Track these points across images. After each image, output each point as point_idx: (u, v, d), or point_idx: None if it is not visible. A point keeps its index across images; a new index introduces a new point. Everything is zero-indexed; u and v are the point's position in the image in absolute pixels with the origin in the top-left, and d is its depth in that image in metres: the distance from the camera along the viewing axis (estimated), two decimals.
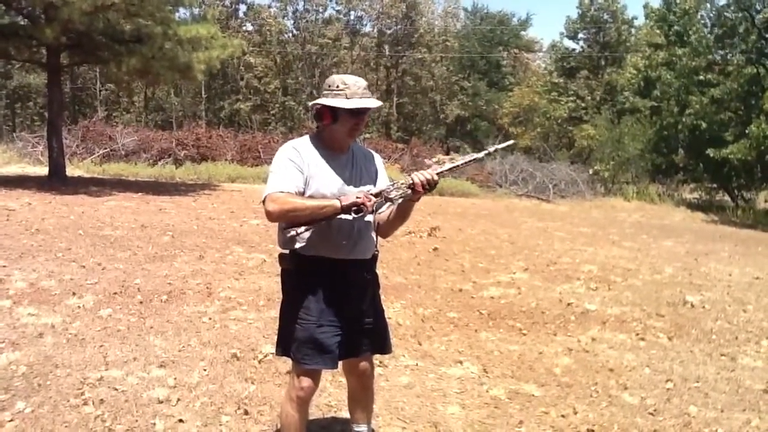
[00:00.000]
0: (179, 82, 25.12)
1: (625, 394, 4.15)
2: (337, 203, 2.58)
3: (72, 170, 17.72)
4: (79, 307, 5.32)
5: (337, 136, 2.74)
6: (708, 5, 23.95)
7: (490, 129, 43.21)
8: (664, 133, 25.51)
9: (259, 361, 4.32)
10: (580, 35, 40.23)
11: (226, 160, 22.23)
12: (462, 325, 5.57)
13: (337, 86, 2.67)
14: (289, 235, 2.65)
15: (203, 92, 40.88)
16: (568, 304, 6.47)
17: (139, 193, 14.13)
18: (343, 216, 2.62)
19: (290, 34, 44.27)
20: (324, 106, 2.68)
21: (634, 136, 25.50)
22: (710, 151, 20.83)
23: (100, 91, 40.27)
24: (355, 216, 2.62)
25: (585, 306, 6.44)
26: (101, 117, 31.43)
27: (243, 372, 4.13)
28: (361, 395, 3.02)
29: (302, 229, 2.63)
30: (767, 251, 12.06)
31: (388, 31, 43.96)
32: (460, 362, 4.59)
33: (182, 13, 18.08)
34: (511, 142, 3.37)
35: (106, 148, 21.70)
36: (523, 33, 47.78)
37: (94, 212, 10.68)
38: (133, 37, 14.66)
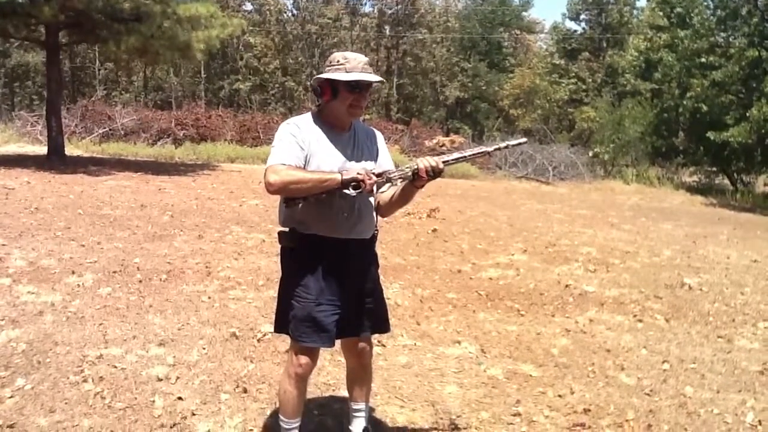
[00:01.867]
0: (178, 61, 24.99)
1: (622, 374, 4.17)
2: (338, 177, 2.56)
3: (71, 150, 17.68)
4: (78, 285, 5.34)
5: (337, 113, 2.72)
6: None
7: (491, 111, 43.15)
8: (664, 115, 25.42)
9: (258, 340, 4.35)
10: (582, 16, 40.05)
11: (225, 140, 22.19)
12: (460, 305, 5.59)
13: (338, 61, 2.65)
14: (297, 206, 2.64)
15: (202, 72, 40.67)
16: (567, 286, 6.49)
17: (139, 173, 14.11)
18: (344, 191, 2.61)
19: (290, 14, 44.01)
20: (324, 82, 2.67)
21: (635, 119, 25.42)
22: (711, 134, 20.76)
23: (99, 70, 40.07)
24: (355, 192, 2.61)
25: (583, 288, 6.45)
26: (100, 96, 31.27)
27: (242, 350, 4.15)
28: (360, 374, 3.02)
29: (312, 199, 2.61)
30: (766, 235, 12.08)
31: (389, 11, 43.67)
32: (459, 342, 4.61)
33: None
34: (523, 140, 3.34)
35: (105, 128, 21.65)
36: (524, 14, 47.54)
37: (93, 191, 10.68)
38: (132, 15, 14.52)
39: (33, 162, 14.23)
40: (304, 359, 2.74)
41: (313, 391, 3.43)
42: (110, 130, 21.69)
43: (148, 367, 3.79)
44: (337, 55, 2.70)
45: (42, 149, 16.84)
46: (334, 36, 42.21)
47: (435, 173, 2.66)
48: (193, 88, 42.07)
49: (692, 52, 23.03)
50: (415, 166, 2.65)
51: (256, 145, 21.96)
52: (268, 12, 41.70)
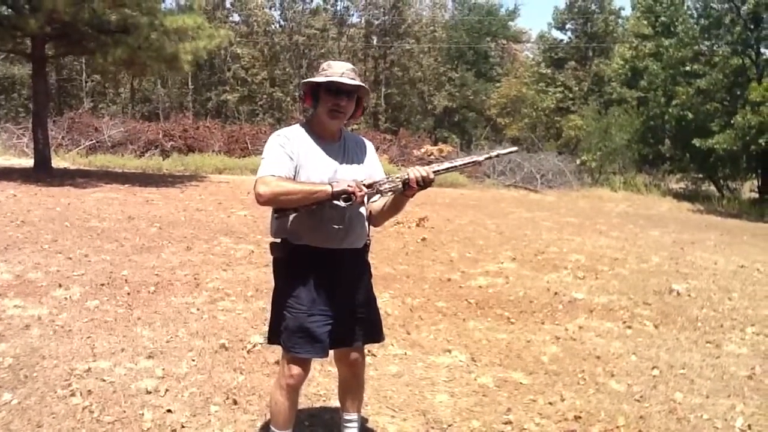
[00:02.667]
0: (166, 72, 24.95)
1: (611, 381, 4.18)
2: (328, 188, 2.56)
3: (58, 162, 17.57)
4: (65, 298, 5.30)
5: (322, 119, 2.73)
6: None
7: (479, 120, 43.30)
8: (650, 123, 25.64)
9: (248, 351, 4.32)
10: (568, 26, 40.26)
11: (213, 151, 22.14)
12: (450, 314, 5.59)
13: (323, 68, 2.70)
14: (288, 217, 2.65)
15: (190, 83, 40.57)
16: (556, 293, 6.50)
17: (126, 185, 14.05)
18: (334, 203, 2.60)
19: (277, 25, 44.03)
20: (306, 88, 2.71)
21: (621, 127, 25.60)
22: (696, 142, 20.97)
23: (86, 82, 39.87)
24: (345, 204, 2.60)
25: (572, 295, 6.47)
26: (87, 108, 31.11)
27: (231, 362, 4.13)
28: (352, 384, 3.01)
29: (303, 210, 2.62)
30: (752, 240, 12.17)
31: (376, 22, 43.79)
32: (449, 351, 4.60)
33: (168, 3, 18.14)
34: (514, 149, 3.36)
35: (92, 140, 21.55)
36: (511, 23, 47.75)
37: (80, 204, 10.62)
38: (119, 27, 14.51)
39: (19, 174, 14.13)
40: (296, 370, 2.73)
41: (303, 402, 3.42)
42: (97, 142, 21.60)
43: (137, 380, 3.76)
44: (323, 63, 2.74)
45: (28, 162, 16.74)
46: (322, 46, 42.23)
47: (425, 183, 2.65)
48: (181, 100, 41.94)
49: (677, 61, 23.28)
50: (406, 176, 2.64)
51: (244, 156, 21.93)
52: (255, 23, 41.69)
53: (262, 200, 2.56)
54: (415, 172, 2.65)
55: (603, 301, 6.32)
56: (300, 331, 2.68)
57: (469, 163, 2.86)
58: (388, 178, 2.71)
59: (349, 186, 2.57)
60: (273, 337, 2.86)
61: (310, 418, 3.39)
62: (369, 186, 2.64)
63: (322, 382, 3.87)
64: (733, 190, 24.51)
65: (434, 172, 2.68)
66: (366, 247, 2.88)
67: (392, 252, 8.17)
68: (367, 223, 2.84)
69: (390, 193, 2.73)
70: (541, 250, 9.04)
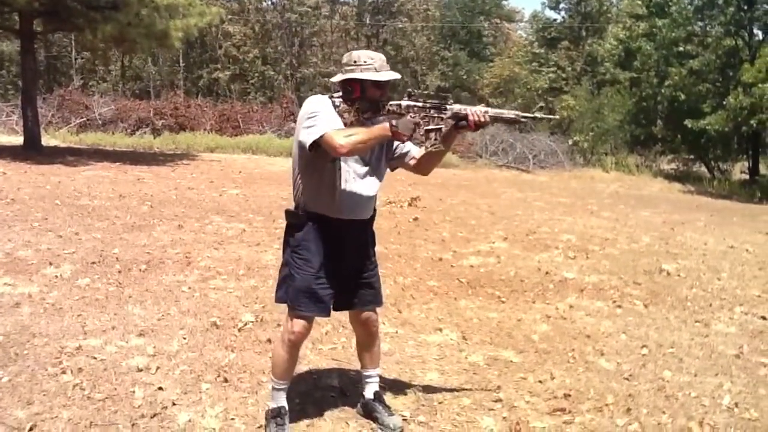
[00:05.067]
0: (156, 50, 24.73)
1: (601, 359, 4.21)
2: (387, 127, 2.71)
3: (48, 140, 17.45)
4: (56, 276, 5.28)
5: (363, 107, 2.86)
6: None
7: (471, 100, 43.12)
8: (643, 104, 25.67)
9: (239, 330, 4.32)
10: (562, 5, 40.10)
11: (204, 129, 22.02)
12: (442, 293, 5.61)
13: (364, 61, 2.80)
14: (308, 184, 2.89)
15: (181, 61, 40.25)
16: (547, 273, 6.53)
17: (117, 163, 13.98)
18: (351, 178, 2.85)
19: (269, 2, 43.63)
20: (352, 81, 2.80)
21: (614, 108, 25.60)
22: (688, 123, 21.00)
23: (75, 59, 39.49)
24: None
25: (563, 274, 6.50)
26: (77, 86, 30.81)
27: (223, 340, 4.13)
28: (368, 341, 3.22)
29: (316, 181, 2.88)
30: (742, 221, 12.24)
31: (369, 0, 43.45)
32: (440, 330, 4.62)
33: None
34: (556, 116, 3.41)
35: (82, 118, 21.41)
36: (504, 2, 47.55)
37: (70, 182, 10.56)
38: (108, 3, 14.33)
39: (9, 153, 14.02)
40: (298, 326, 2.91)
41: (296, 381, 3.41)
42: (88, 120, 21.45)
43: (128, 358, 3.75)
44: (360, 55, 2.85)
45: (18, 140, 16.61)
46: (314, 25, 41.93)
47: (480, 125, 2.81)
48: (172, 78, 41.62)
49: (670, 41, 23.26)
50: (463, 111, 2.79)
51: (235, 135, 21.82)
52: (247, 0, 41.31)
53: (342, 151, 2.69)
54: (475, 114, 2.78)
55: (593, 280, 6.34)
56: (306, 291, 2.88)
57: (512, 118, 2.91)
58: (431, 107, 2.84)
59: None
60: (280, 295, 3.02)
61: (300, 396, 3.40)
62: (414, 126, 2.77)
63: (313, 360, 3.89)
64: (724, 172, 24.60)
65: (488, 115, 2.80)
66: (372, 218, 3.08)
67: (384, 231, 8.15)
68: (375, 196, 3.01)
69: (435, 139, 2.83)
70: (533, 230, 9.06)
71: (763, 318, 5.37)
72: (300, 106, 3.27)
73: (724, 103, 19.90)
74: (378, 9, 43.43)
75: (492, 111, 2.82)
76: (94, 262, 5.76)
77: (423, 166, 3.05)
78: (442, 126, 2.80)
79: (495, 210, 10.90)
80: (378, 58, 2.82)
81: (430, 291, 5.66)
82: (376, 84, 2.80)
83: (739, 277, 6.89)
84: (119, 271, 5.55)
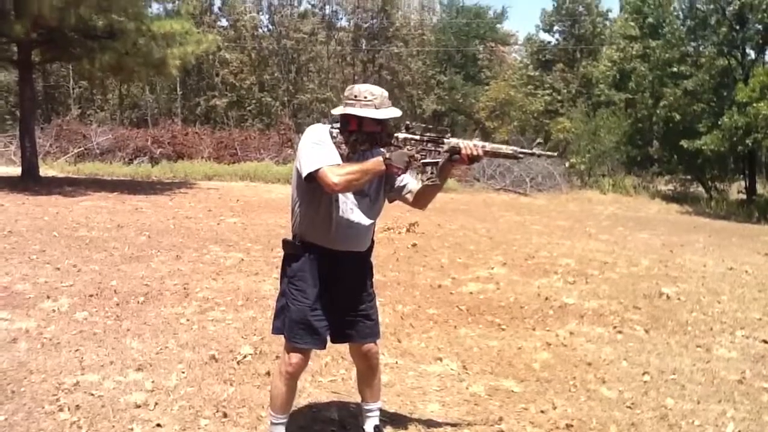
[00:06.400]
0: (154, 78, 24.88)
1: (603, 387, 4.18)
2: (381, 160, 2.75)
3: (46, 170, 17.48)
4: (54, 310, 5.25)
5: (358, 142, 2.88)
6: None
7: (468, 123, 43.35)
8: (638, 125, 25.78)
9: (238, 363, 4.29)
10: (556, 28, 40.42)
11: (202, 157, 22.09)
12: (441, 321, 5.58)
13: (365, 97, 2.83)
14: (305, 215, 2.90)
15: (178, 89, 40.40)
16: (546, 298, 6.51)
17: (115, 193, 13.99)
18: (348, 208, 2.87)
19: (266, 29, 43.95)
20: (351, 115, 2.82)
21: (610, 129, 25.71)
22: (684, 143, 21.08)
23: (73, 88, 39.65)
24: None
25: (563, 300, 6.48)
26: (75, 115, 30.96)
27: (221, 374, 4.10)
28: (368, 374, 3.20)
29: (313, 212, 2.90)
30: (740, 242, 12.24)
31: (365, 25, 43.79)
32: (440, 359, 4.59)
33: (156, 8, 17.91)
34: (554, 154, 3.42)
35: (80, 147, 21.46)
36: (498, 26, 47.86)
37: (68, 213, 10.56)
38: (105, 32, 14.46)
39: (6, 183, 14.03)
40: (295, 359, 2.92)
41: (295, 414, 3.38)
42: (85, 149, 21.52)
43: (126, 394, 3.72)
44: (361, 90, 2.86)
45: (16, 170, 16.64)
46: (311, 51, 42.19)
47: (474, 159, 2.86)
48: (170, 105, 41.76)
49: (664, 62, 23.41)
50: (456, 146, 2.83)
51: (233, 162, 21.89)
52: (243, 28, 41.59)
53: (337, 189, 2.74)
54: (469, 148, 2.83)
55: (593, 305, 6.32)
56: (302, 323, 2.88)
57: (509, 154, 2.94)
58: (425, 143, 2.88)
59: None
60: (277, 327, 3.03)
61: (299, 430, 3.37)
62: (409, 160, 2.81)
63: (312, 392, 3.86)
64: (721, 191, 24.63)
65: (485, 151, 2.85)
66: (370, 249, 3.08)
67: (383, 258, 8.14)
68: (372, 228, 3.03)
69: (432, 173, 2.88)
70: (532, 254, 9.05)
71: (765, 341, 5.35)
72: (297, 132, 3.31)
73: (719, 123, 19.99)
74: (374, 34, 43.74)
75: (489, 146, 2.85)
76: (91, 295, 5.73)
77: (420, 201, 3.08)
78: (439, 160, 2.82)
79: (493, 234, 10.90)
80: (379, 94, 2.84)
81: (430, 319, 5.63)
82: (376, 119, 2.83)
83: (739, 300, 6.87)
84: (117, 304, 5.52)
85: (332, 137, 2.85)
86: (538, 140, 2.91)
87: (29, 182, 14.34)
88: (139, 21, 14.32)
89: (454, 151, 2.81)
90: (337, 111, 2.88)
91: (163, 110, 40.76)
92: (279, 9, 43.05)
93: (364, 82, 34.66)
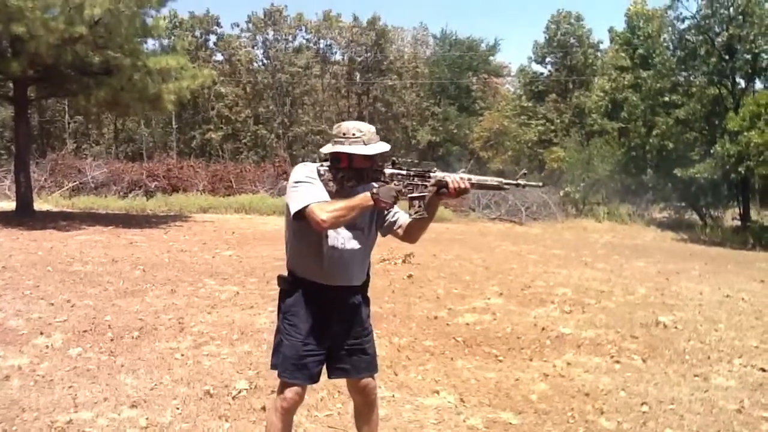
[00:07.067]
0: (149, 113, 24.99)
1: (601, 418, 4.15)
2: (369, 197, 2.72)
3: (40, 204, 17.47)
4: (47, 346, 5.20)
5: (350, 177, 2.89)
6: (670, 29, 24.56)
7: (462, 153, 43.59)
8: (632, 153, 26.00)
9: (233, 398, 4.25)
10: (548, 59, 40.88)
11: (197, 190, 22.13)
12: (438, 353, 5.55)
13: (353, 134, 2.84)
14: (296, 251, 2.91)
15: (174, 122, 40.65)
16: (543, 329, 6.48)
17: (110, 227, 13.96)
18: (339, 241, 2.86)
19: (260, 63, 44.37)
20: (341, 152, 2.84)
21: (604, 158, 25.91)
22: (677, 171, 21.23)
23: (68, 123, 39.84)
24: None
25: (560, 330, 6.45)
26: (70, 150, 31.06)
27: (217, 409, 4.06)
28: (366, 410, 3.16)
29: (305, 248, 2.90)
30: (736, 269, 12.25)
31: (359, 59, 44.23)
32: (437, 392, 4.56)
33: (151, 44, 18.05)
34: (540, 184, 3.41)
35: (75, 181, 21.47)
36: (491, 58, 48.35)
37: (63, 247, 10.52)
38: (101, 69, 14.56)
39: (1, 218, 14.01)
40: (290, 394, 2.90)
41: None
42: (80, 183, 21.53)
43: (121, 431, 3.68)
44: (350, 127, 2.87)
45: (10, 205, 16.62)
46: (305, 84, 42.56)
47: (462, 192, 2.84)
48: (165, 139, 41.96)
49: (655, 92, 23.70)
50: (442, 180, 2.81)
51: (228, 195, 21.91)
52: (238, 62, 42.01)
53: (324, 226, 2.72)
54: (455, 181, 2.82)
55: (590, 335, 6.30)
56: (293, 358, 2.87)
57: (495, 185, 2.95)
58: (413, 177, 2.88)
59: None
60: (273, 363, 3.01)
61: None
62: (396, 194, 2.78)
63: (308, 427, 3.81)
64: (716, 218, 24.73)
65: (471, 183, 2.84)
66: (365, 284, 3.06)
67: (378, 290, 8.12)
68: (366, 262, 3.02)
69: (419, 206, 2.86)
70: (528, 284, 9.03)
71: (763, 370, 5.32)
72: (292, 164, 3.32)
73: (712, 151, 20.17)
74: (368, 67, 44.16)
75: (475, 178, 2.85)
76: (85, 331, 5.69)
77: (410, 235, 3.04)
78: (426, 194, 2.82)
79: (489, 264, 10.89)
80: (367, 130, 2.86)
81: (426, 351, 5.60)
82: (365, 156, 2.84)
83: (736, 328, 6.86)
84: (111, 339, 5.48)
85: (320, 175, 2.86)
86: (524, 171, 2.84)
87: (24, 217, 14.31)
88: (135, 57, 14.41)
89: (441, 184, 2.82)
90: (326, 149, 2.90)
91: (159, 144, 40.94)
92: (274, 44, 43.51)
93: (359, 113, 34.93)
